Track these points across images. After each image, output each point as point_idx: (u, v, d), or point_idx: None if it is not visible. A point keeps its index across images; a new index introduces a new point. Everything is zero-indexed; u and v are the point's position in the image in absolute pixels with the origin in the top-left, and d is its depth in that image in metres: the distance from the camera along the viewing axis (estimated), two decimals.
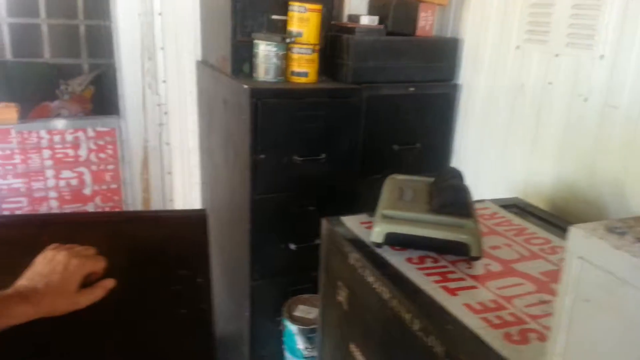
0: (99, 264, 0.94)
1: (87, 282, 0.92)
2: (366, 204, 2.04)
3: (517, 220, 1.62)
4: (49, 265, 0.89)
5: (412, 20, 2.04)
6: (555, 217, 1.66)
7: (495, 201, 1.76)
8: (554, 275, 1.28)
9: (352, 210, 1.81)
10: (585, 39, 1.61)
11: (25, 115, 2.33)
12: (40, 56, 2.33)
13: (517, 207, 1.75)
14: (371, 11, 2.13)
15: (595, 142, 1.62)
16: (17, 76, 2.36)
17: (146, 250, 1.10)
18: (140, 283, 1.01)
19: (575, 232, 0.72)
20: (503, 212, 1.67)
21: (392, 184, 1.51)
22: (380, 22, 2.02)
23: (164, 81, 2.37)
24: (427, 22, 2.06)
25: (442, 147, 2.22)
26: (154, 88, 2.36)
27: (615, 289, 0.65)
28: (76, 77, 2.42)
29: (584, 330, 0.72)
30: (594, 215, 1.63)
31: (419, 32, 2.06)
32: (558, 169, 1.76)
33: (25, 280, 0.88)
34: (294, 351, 2.03)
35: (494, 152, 2.03)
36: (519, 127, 1.90)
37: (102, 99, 2.47)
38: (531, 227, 1.57)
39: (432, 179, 1.54)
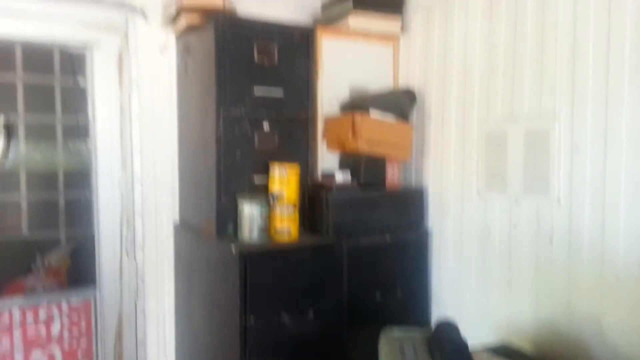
0: None
1: None
2: (355, 357, 2.03)
3: None
4: None
5: (381, 174, 2.22)
6: None
7: (485, 349, 1.77)
8: None
9: None
10: (540, 185, 1.80)
11: None
12: (18, 231, 2.32)
13: (507, 353, 1.76)
14: (342, 167, 2.30)
15: (568, 281, 1.73)
16: None
17: None
18: None
19: None
20: None
21: (390, 343, 1.53)
22: (352, 174, 2.19)
23: (142, 247, 2.37)
24: (394, 175, 2.25)
25: (421, 291, 2.28)
26: (132, 254, 2.35)
27: None
28: (53, 249, 2.39)
29: None
30: (578, 354, 1.68)
31: (388, 184, 2.24)
32: (536, 308, 1.84)
33: None
34: None
35: (471, 294, 2.10)
36: (492, 269, 2.01)
37: (78, 271, 2.42)
38: None
39: (428, 331, 1.58)
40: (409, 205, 2.26)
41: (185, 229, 2.33)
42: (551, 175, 1.76)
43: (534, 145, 1.81)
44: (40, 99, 2.33)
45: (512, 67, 1.89)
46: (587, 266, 1.67)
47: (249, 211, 1.96)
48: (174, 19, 2.20)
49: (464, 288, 2.14)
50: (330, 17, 2.36)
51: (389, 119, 2.21)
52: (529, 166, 1.84)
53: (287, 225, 2.02)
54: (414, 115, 2.33)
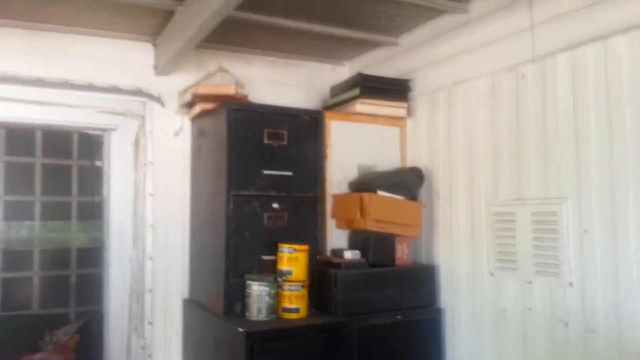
0: None
1: None
2: None
3: None
4: None
5: (391, 251, 2.22)
6: None
7: None
8: None
9: None
10: (552, 267, 1.78)
11: None
12: (28, 307, 2.33)
13: None
14: (351, 245, 2.30)
15: None
16: (1, 329, 2.29)
17: None
18: None
19: None
20: None
21: None
22: (361, 254, 2.19)
23: (150, 323, 2.35)
24: (403, 252, 2.25)
25: None
26: (140, 331, 2.33)
27: None
28: (62, 326, 2.39)
29: None
30: None
31: (397, 261, 2.23)
32: None
33: None
34: None
35: None
36: (507, 351, 1.94)
37: (86, 347, 2.40)
38: None
39: None
40: (420, 283, 2.23)
41: (193, 306, 2.31)
42: (561, 257, 1.74)
43: (543, 227, 1.81)
44: (57, 179, 2.42)
45: (517, 149, 1.92)
46: (603, 351, 1.62)
47: (257, 290, 1.95)
48: (189, 104, 2.31)
49: None
50: (338, 102, 2.46)
51: (397, 197, 2.24)
52: (539, 248, 1.82)
53: (295, 304, 2.00)
54: (422, 193, 2.36)
